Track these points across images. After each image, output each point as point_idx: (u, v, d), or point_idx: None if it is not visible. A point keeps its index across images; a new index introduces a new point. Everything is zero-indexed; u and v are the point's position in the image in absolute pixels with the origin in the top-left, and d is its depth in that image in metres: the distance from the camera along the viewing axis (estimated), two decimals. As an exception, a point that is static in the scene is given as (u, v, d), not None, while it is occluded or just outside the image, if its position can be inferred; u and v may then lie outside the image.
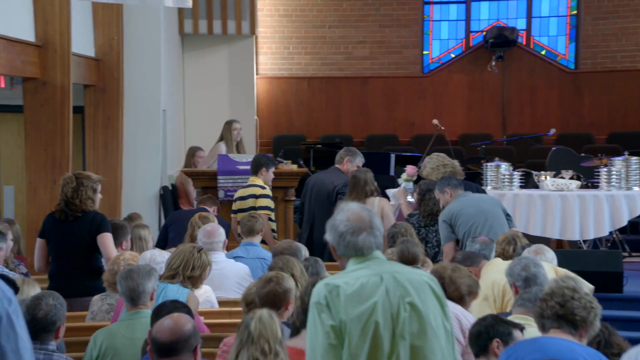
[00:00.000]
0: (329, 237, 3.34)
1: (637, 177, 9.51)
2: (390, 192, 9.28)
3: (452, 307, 4.59)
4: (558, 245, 9.86)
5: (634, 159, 9.60)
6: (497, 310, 5.49)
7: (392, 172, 11.10)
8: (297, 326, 3.94)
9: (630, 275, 8.75)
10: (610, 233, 9.80)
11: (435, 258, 7.58)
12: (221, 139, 10.33)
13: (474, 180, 9.85)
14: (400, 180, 9.15)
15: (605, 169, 9.62)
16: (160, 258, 5.68)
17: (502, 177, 9.63)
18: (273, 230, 8.40)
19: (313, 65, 14.82)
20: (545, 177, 9.73)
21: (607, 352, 4.03)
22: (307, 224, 8.52)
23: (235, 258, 6.75)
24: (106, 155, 10.46)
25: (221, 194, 9.32)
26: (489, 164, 9.82)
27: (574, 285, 3.92)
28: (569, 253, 8.78)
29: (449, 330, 3.28)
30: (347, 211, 3.32)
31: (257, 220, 7.11)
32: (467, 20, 15.19)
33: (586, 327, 3.78)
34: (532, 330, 4.13)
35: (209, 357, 4.99)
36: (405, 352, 3.15)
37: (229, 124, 10.36)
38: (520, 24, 15.03)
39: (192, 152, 10.95)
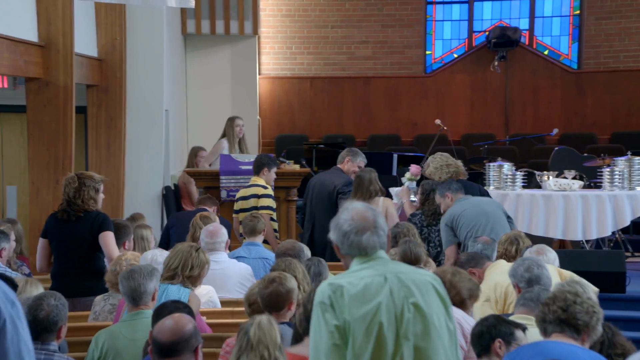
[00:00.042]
0: (332, 235, 3.33)
1: (640, 177, 9.52)
2: (393, 190, 9.28)
3: (454, 311, 4.58)
4: (561, 246, 9.85)
5: (637, 159, 9.60)
6: (499, 312, 5.48)
7: (394, 172, 11.10)
8: (299, 333, 3.92)
9: (633, 276, 8.74)
10: (613, 233, 9.79)
11: (437, 258, 7.58)
12: (223, 135, 10.35)
13: (476, 181, 9.85)
14: (403, 179, 9.15)
15: (608, 169, 9.61)
16: (161, 258, 5.68)
17: (505, 177, 9.63)
18: (275, 230, 8.41)
19: (315, 65, 14.82)
20: (548, 177, 9.72)
21: (610, 352, 4.03)
22: (309, 224, 8.53)
23: (238, 258, 6.75)
24: (109, 155, 10.47)
25: (224, 193, 9.33)
26: (491, 164, 9.82)
27: (576, 290, 3.93)
28: (571, 253, 8.78)
29: (452, 331, 3.27)
30: (351, 210, 3.32)
31: (258, 220, 7.11)
32: (470, 20, 15.19)
33: (588, 332, 3.78)
34: (534, 330, 4.12)
35: (211, 357, 5.00)
36: (409, 353, 3.15)
37: (231, 120, 10.36)
38: (523, 24, 15.02)
39: (195, 152, 10.96)
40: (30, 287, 5.02)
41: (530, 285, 4.92)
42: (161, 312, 4.23)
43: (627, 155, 9.78)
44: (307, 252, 6.14)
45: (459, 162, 8.38)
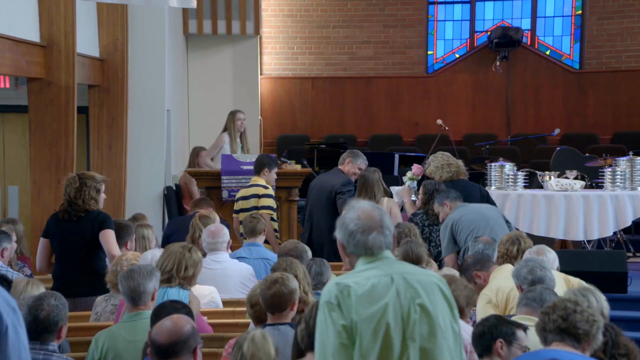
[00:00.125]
0: (338, 234, 3.33)
1: (642, 177, 9.51)
2: (394, 189, 9.29)
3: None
4: (562, 246, 9.86)
5: (639, 159, 9.59)
6: (500, 315, 5.47)
7: (395, 172, 11.09)
8: (301, 349, 3.88)
9: (635, 276, 8.74)
10: (615, 233, 9.79)
11: (438, 257, 7.58)
12: (225, 129, 10.36)
13: (477, 181, 9.85)
14: (404, 179, 9.15)
15: (609, 169, 9.61)
16: (161, 259, 5.68)
17: (506, 177, 9.63)
18: (275, 230, 8.42)
19: (317, 65, 14.82)
20: (550, 177, 9.72)
21: (614, 352, 4.04)
22: (307, 224, 8.56)
23: (239, 259, 6.75)
24: (110, 155, 10.48)
25: (225, 193, 9.34)
26: (493, 164, 9.82)
27: (576, 298, 3.93)
28: (573, 253, 8.78)
29: (457, 332, 3.27)
30: (357, 209, 3.31)
31: (258, 220, 7.11)
32: (472, 20, 15.18)
33: (589, 341, 3.78)
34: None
35: (212, 357, 5.00)
36: (415, 354, 3.15)
37: (232, 114, 10.38)
38: (525, 24, 15.01)
39: (196, 152, 10.97)
40: (31, 287, 5.02)
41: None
42: (160, 312, 4.23)
43: (628, 155, 9.78)
44: (310, 252, 6.14)
45: (460, 162, 8.38)
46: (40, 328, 4.24)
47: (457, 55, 15.16)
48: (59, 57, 8.74)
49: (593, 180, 10.31)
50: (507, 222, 7.55)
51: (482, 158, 11.65)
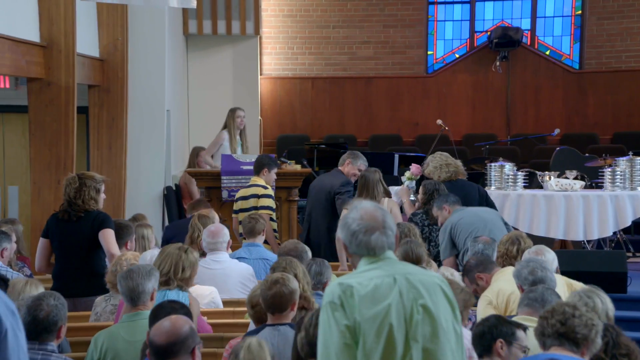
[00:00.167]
0: (341, 234, 3.34)
1: (642, 177, 9.52)
2: (392, 189, 9.29)
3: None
4: (562, 246, 9.86)
5: (639, 159, 9.60)
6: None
7: (395, 172, 11.09)
8: (300, 357, 3.87)
9: (635, 276, 8.74)
10: (615, 233, 9.79)
11: (438, 257, 7.58)
12: (225, 126, 10.36)
13: (477, 181, 9.85)
14: (403, 179, 9.15)
15: (609, 169, 9.61)
16: (160, 259, 5.67)
17: (506, 177, 9.63)
18: (275, 230, 8.42)
19: (317, 65, 14.82)
20: (550, 177, 9.72)
21: (615, 352, 4.04)
22: (306, 224, 8.58)
23: (238, 259, 6.75)
24: (110, 155, 10.48)
25: (225, 194, 9.34)
26: (493, 164, 9.82)
27: (575, 303, 3.93)
28: (572, 253, 8.78)
29: (459, 333, 3.28)
30: (360, 209, 3.31)
31: (257, 221, 7.11)
32: (472, 20, 15.19)
33: (588, 345, 3.77)
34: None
35: (212, 357, 5.00)
36: (417, 355, 3.16)
37: (232, 111, 10.39)
38: (525, 24, 15.01)
39: (196, 152, 10.97)
40: (30, 287, 5.01)
41: (535, 288, 4.90)
42: (158, 312, 4.23)
43: (628, 155, 9.78)
44: (310, 253, 6.14)
45: (459, 162, 8.38)
46: (39, 328, 4.24)
47: (457, 56, 15.16)
48: (59, 57, 8.74)
49: (593, 180, 10.31)
50: (505, 224, 7.55)
51: (482, 158, 11.65)
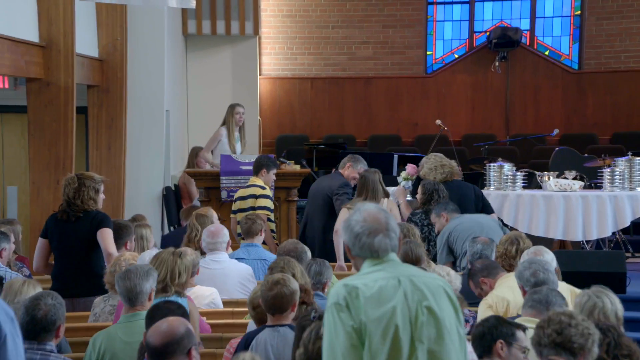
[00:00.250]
0: (344, 236, 3.35)
1: (641, 177, 9.52)
2: (389, 190, 9.29)
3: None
4: (561, 246, 9.87)
5: (638, 159, 9.60)
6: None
7: (394, 173, 11.09)
8: None
9: (633, 276, 8.75)
10: (614, 234, 9.79)
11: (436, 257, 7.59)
12: (224, 123, 10.35)
13: (477, 181, 9.87)
14: (399, 179, 9.15)
15: (608, 170, 9.62)
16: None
17: (505, 177, 9.63)
18: (272, 231, 8.42)
19: (316, 65, 14.82)
20: (549, 178, 9.73)
21: (617, 353, 4.04)
22: (302, 224, 8.59)
23: (237, 259, 6.75)
24: (109, 155, 10.48)
25: (224, 194, 9.34)
26: (492, 164, 9.83)
27: (571, 312, 3.93)
28: (571, 254, 8.78)
29: (462, 336, 3.29)
30: (363, 212, 3.32)
31: (254, 221, 7.10)
32: (471, 20, 15.19)
33: (584, 355, 3.77)
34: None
35: (211, 358, 5.00)
36: (423, 356, 3.17)
37: (231, 107, 10.36)
38: (524, 24, 15.01)
39: (195, 153, 10.97)
40: (27, 287, 4.99)
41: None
42: (154, 313, 4.23)
43: (627, 155, 9.78)
44: (309, 253, 6.14)
45: (453, 163, 8.38)
46: (38, 328, 4.23)
47: (456, 56, 15.16)
48: (58, 58, 8.74)
49: (592, 180, 10.31)
50: (503, 230, 7.53)
51: (481, 158, 11.65)
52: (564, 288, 5.51)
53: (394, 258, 3.31)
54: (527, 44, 14.90)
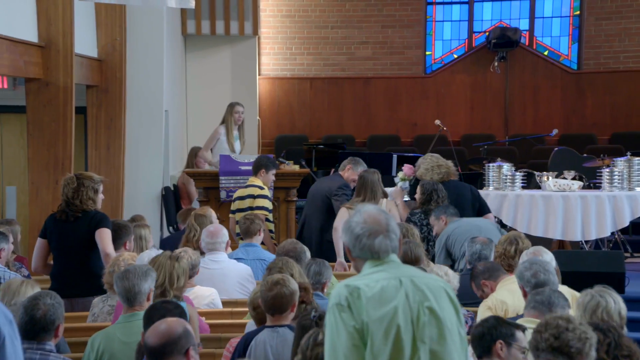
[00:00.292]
0: (344, 238, 3.35)
1: (640, 177, 9.52)
2: (387, 190, 9.28)
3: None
4: (560, 246, 9.86)
5: (637, 159, 9.60)
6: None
7: (394, 173, 11.09)
8: None
9: (632, 276, 8.75)
10: (612, 234, 9.80)
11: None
12: (223, 121, 10.35)
13: (475, 181, 9.87)
14: (396, 179, 9.14)
15: (607, 170, 9.62)
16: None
17: (504, 177, 9.63)
18: (271, 231, 8.41)
19: (315, 65, 14.82)
20: (548, 178, 9.73)
21: (617, 353, 4.03)
22: (300, 224, 8.59)
23: (236, 259, 6.75)
24: (108, 155, 10.47)
25: (223, 194, 9.34)
26: (491, 164, 9.83)
27: (568, 316, 3.93)
28: (570, 254, 8.79)
29: (462, 337, 3.30)
30: (363, 213, 3.32)
31: (252, 222, 7.10)
32: (470, 20, 15.19)
33: (582, 359, 3.77)
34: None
35: (210, 358, 5.00)
36: (425, 356, 3.18)
37: (231, 106, 10.35)
38: (523, 25, 15.02)
39: (194, 153, 10.97)
40: (25, 287, 4.98)
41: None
42: (152, 313, 4.23)
43: (626, 155, 9.78)
44: (308, 253, 6.14)
45: (450, 163, 8.38)
46: (37, 328, 4.22)
47: (456, 56, 15.17)
48: (57, 58, 8.74)
49: (591, 180, 10.31)
50: (501, 232, 7.53)
51: (480, 158, 11.65)
52: (565, 291, 5.50)
53: (395, 259, 3.31)
54: (526, 44, 14.90)
